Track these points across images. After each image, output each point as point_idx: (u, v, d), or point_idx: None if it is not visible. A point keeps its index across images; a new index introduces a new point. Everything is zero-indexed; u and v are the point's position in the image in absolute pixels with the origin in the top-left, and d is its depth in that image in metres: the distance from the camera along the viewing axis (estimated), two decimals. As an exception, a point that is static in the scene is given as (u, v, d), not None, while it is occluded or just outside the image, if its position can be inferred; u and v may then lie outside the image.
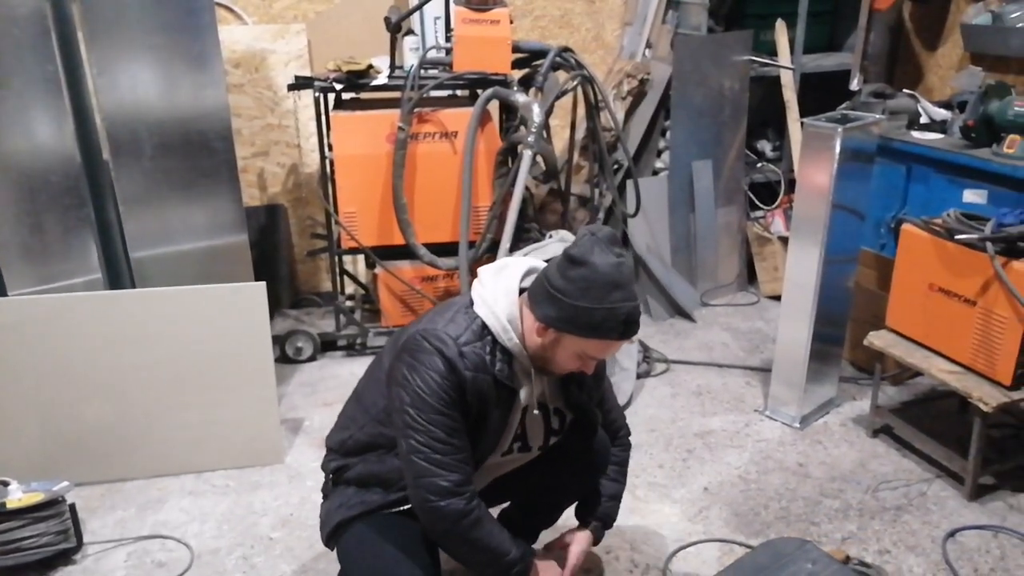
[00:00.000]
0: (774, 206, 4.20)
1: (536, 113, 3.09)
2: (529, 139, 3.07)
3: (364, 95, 3.39)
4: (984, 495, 2.58)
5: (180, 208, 2.83)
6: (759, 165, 4.25)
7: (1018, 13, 3.49)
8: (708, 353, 3.61)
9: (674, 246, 4.01)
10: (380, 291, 3.53)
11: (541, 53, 3.38)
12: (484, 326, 1.72)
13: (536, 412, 1.82)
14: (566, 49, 3.41)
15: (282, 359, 3.46)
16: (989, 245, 2.43)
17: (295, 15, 3.85)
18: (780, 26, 4.02)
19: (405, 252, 3.35)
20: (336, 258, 3.53)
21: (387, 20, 3.24)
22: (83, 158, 2.69)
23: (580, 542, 2.00)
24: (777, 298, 3.59)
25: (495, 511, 2.05)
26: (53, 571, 2.30)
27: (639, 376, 3.29)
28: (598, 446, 2.00)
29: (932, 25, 4.11)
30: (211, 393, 2.67)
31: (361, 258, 3.80)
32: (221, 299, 2.65)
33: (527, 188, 3.21)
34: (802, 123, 3.20)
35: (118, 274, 2.88)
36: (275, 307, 3.58)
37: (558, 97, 3.54)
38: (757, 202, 4.23)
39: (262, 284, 2.68)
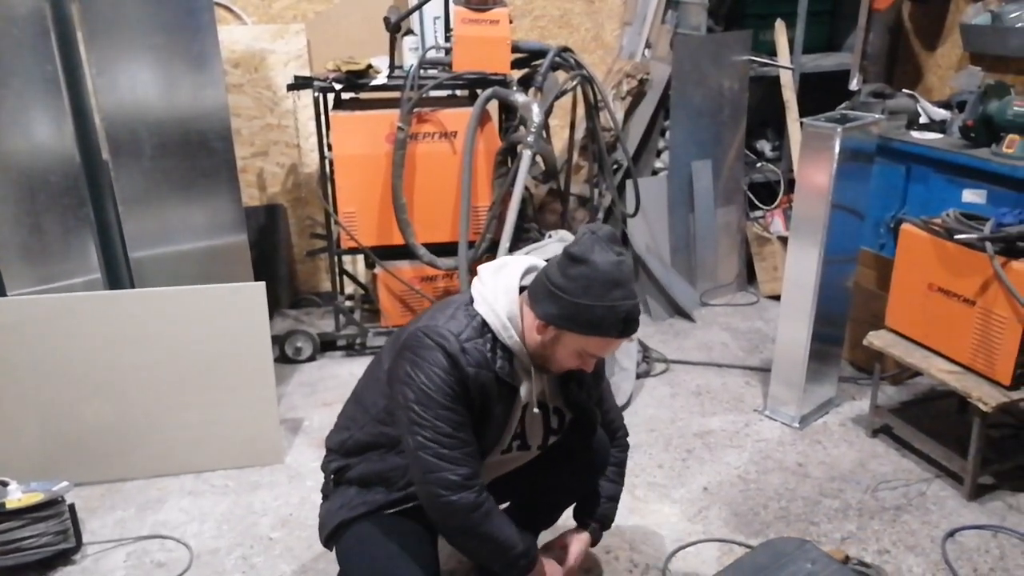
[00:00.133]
0: (773, 206, 4.20)
1: (535, 113, 3.09)
2: (528, 139, 3.07)
3: (363, 95, 3.39)
4: (983, 495, 2.58)
5: (179, 208, 2.83)
6: (758, 165, 4.26)
7: (1017, 13, 3.49)
8: (707, 353, 3.61)
9: (673, 246, 4.01)
10: (379, 291, 3.53)
11: (540, 53, 3.38)
12: (484, 323, 1.72)
13: (536, 411, 1.82)
14: (565, 49, 3.41)
15: (281, 359, 3.46)
16: (988, 245, 2.43)
17: (294, 15, 3.85)
18: (779, 26, 4.02)
19: (404, 252, 3.35)
20: (335, 258, 3.53)
21: (386, 20, 3.24)
22: (82, 158, 2.69)
23: (579, 542, 2.00)
24: (776, 298, 3.59)
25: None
26: (52, 571, 2.30)
27: (638, 376, 3.29)
28: (597, 446, 2.00)
29: (931, 25, 4.11)
30: (211, 393, 2.67)
31: (360, 258, 3.80)
32: (220, 299, 2.65)
33: (526, 188, 3.21)
34: (801, 123, 3.20)
35: (117, 274, 2.88)
36: (274, 307, 3.58)
37: (557, 97, 3.54)
38: (756, 202, 4.23)
39: (261, 284, 2.68)
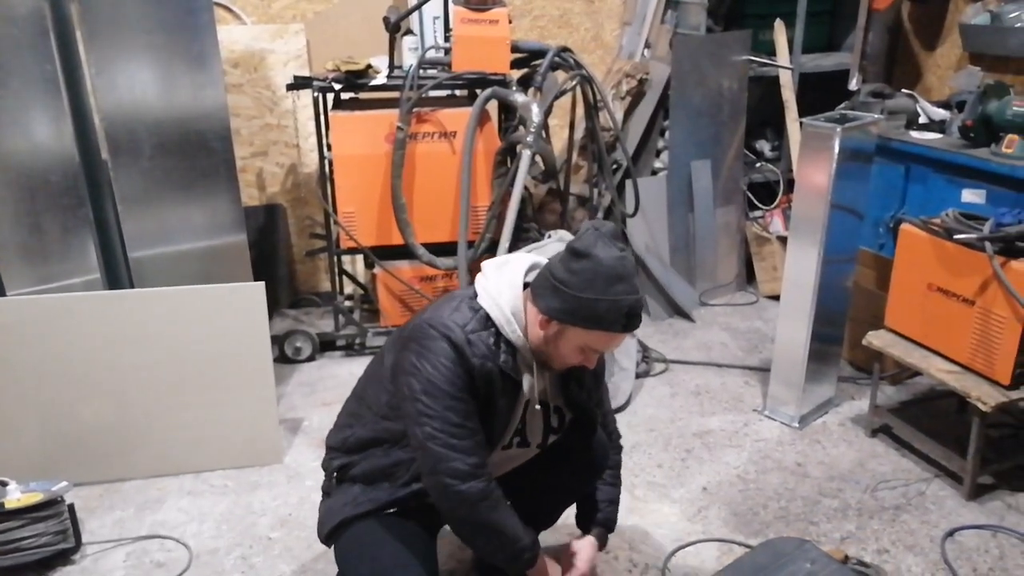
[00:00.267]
0: (773, 206, 4.20)
1: (535, 113, 3.09)
2: (528, 139, 3.07)
3: (363, 95, 3.39)
4: (983, 495, 2.58)
5: (179, 208, 2.83)
6: (758, 165, 4.26)
7: (1016, 13, 3.49)
8: (707, 353, 3.61)
9: (673, 246, 4.01)
10: (379, 291, 3.53)
11: (540, 53, 3.38)
12: (488, 317, 1.72)
13: (537, 407, 1.82)
14: (565, 49, 3.41)
15: (281, 359, 3.46)
16: (988, 245, 2.43)
17: (294, 15, 3.85)
18: (779, 26, 4.02)
19: (404, 252, 3.35)
20: (335, 258, 3.52)
21: (386, 20, 3.24)
22: (82, 158, 2.69)
23: (588, 548, 1.97)
24: (776, 298, 3.59)
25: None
26: (52, 571, 2.29)
27: (638, 376, 3.29)
28: (597, 446, 2.00)
29: (931, 25, 4.11)
30: (210, 393, 2.67)
31: (360, 258, 3.80)
32: (220, 299, 2.65)
33: (526, 188, 3.21)
34: (801, 123, 3.20)
35: (117, 274, 2.88)
36: (274, 307, 3.57)
37: (557, 97, 3.54)
38: (756, 202, 4.23)
39: (261, 284, 2.68)
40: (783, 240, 3.98)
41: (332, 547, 1.88)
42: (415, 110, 3.24)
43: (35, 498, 2.23)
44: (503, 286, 1.74)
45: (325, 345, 3.57)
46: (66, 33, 2.60)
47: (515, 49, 3.37)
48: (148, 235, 2.81)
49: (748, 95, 4.07)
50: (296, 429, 3.01)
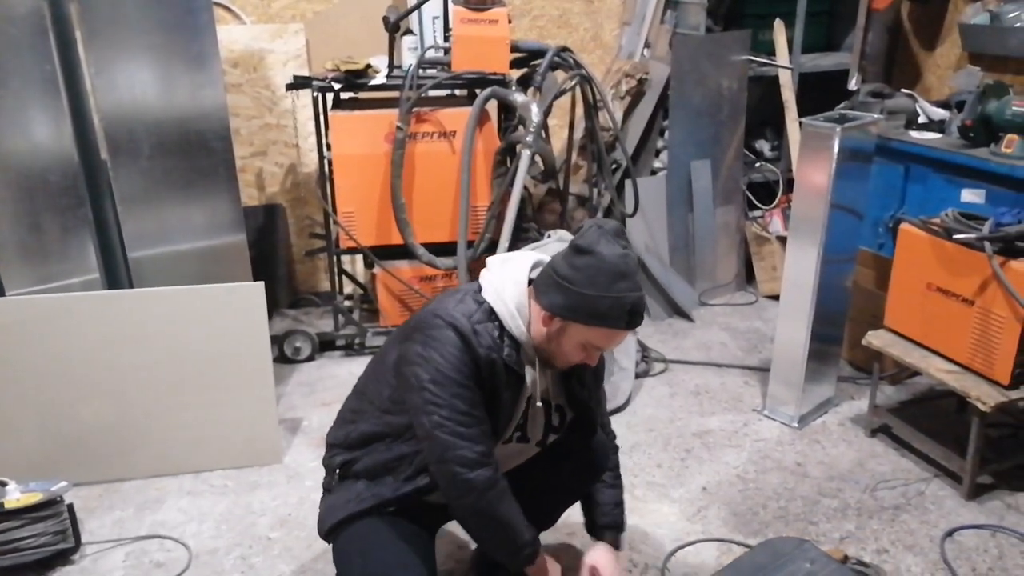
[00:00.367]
0: (772, 206, 4.20)
1: (534, 113, 3.09)
2: (527, 139, 3.07)
3: (362, 95, 3.39)
4: (982, 494, 2.58)
5: (178, 208, 2.83)
6: (757, 165, 4.26)
7: (1016, 13, 3.49)
8: (706, 353, 3.61)
9: (672, 246, 4.01)
10: (378, 291, 3.53)
11: (539, 53, 3.38)
12: (492, 311, 1.73)
13: (539, 404, 1.82)
14: (564, 49, 3.41)
15: (280, 359, 3.46)
16: (987, 245, 2.43)
17: (293, 15, 3.85)
18: (778, 26, 4.02)
19: (403, 252, 3.35)
20: (334, 258, 3.53)
21: (385, 20, 3.24)
22: (81, 158, 2.69)
23: (606, 554, 1.95)
24: (775, 298, 3.59)
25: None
26: (51, 571, 2.29)
27: (637, 376, 3.29)
28: (597, 446, 2.00)
29: (930, 25, 4.11)
30: (209, 393, 2.67)
31: (359, 258, 3.80)
32: (219, 299, 2.65)
33: (525, 188, 3.21)
34: (800, 123, 3.20)
35: (116, 274, 2.88)
36: (273, 307, 3.57)
37: (556, 97, 3.53)
38: (755, 202, 4.23)
39: (260, 284, 2.67)
40: (783, 240, 3.98)
41: (331, 544, 1.87)
42: (415, 110, 3.23)
43: (34, 498, 2.23)
44: (507, 281, 1.75)
45: (324, 345, 3.57)
46: (65, 33, 2.60)
47: (514, 49, 3.37)
48: (147, 235, 2.81)
49: (748, 95, 4.07)
50: (296, 429, 3.00)
